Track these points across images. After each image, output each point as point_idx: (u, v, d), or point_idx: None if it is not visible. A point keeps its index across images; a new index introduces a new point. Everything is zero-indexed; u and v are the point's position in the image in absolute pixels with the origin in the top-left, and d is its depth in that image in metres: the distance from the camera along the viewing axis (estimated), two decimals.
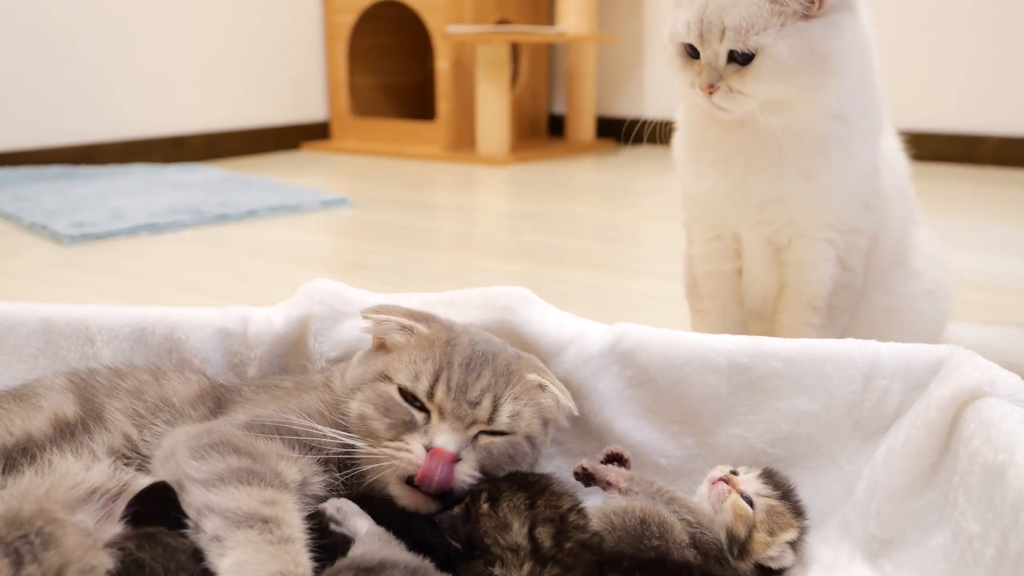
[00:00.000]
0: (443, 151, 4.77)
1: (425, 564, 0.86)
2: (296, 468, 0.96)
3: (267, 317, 1.24)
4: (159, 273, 2.48)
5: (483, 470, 0.98)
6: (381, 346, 1.09)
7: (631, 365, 1.17)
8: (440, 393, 0.99)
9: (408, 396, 1.00)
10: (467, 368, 1.01)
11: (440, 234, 3.08)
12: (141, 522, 0.89)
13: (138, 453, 1.01)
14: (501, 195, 3.93)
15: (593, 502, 1.04)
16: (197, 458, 0.91)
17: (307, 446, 1.00)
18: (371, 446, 0.99)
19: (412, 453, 0.96)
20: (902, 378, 1.10)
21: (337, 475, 1.01)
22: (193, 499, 0.87)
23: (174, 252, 2.74)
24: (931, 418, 1.00)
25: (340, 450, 1.00)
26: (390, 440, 0.98)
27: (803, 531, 1.03)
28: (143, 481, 0.97)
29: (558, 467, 1.19)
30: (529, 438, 1.02)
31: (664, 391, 1.17)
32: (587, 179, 4.37)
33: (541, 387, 1.03)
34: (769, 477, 1.06)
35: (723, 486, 1.05)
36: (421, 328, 1.06)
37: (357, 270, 2.58)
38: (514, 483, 0.97)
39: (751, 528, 1.01)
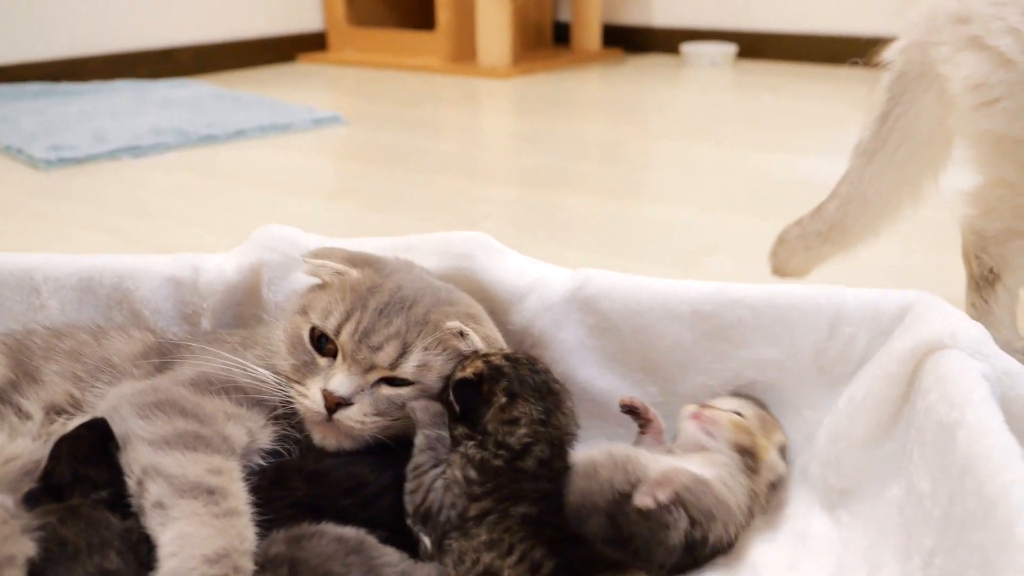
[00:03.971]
0: (443, 63, 4.70)
1: (358, 533, 0.88)
2: (243, 428, 0.98)
3: (218, 265, 1.25)
4: (140, 203, 2.48)
5: (379, 413, 0.99)
6: (322, 287, 1.10)
7: (593, 313, 1.18)
8: (345, 334, 1.00)
9: (316, 338, 1.02)
10: (379, 313, 1.01)
11: (437, 156, 3.06)
12: (73, 461, 0.91)
13: (80, 410, 1.03)
14: (502, 112, 3.89)
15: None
16: (143, 417, 0.93)
17: (254, 400, 1.02)
18: (282, 387, 1.02)
19: (309, 398, 0.99)
20: (868, 325, 1.10)
21: (288, 429, 1.03)
22: (139, 456, 0.89)
23: (157, 178, 2.74)
24: (891, 369, 1.00)
25: (286, 402, 1.02)
26: (297, 382, 1.01)
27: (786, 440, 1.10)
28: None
29: None
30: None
31: (627, 339, 1.17)
32: (592, 92, 4.30)
33: (462, 334, 1.03)
34: (738, 395, 1.13)
35: (711, 411, 1.08)
36: (352, 272, 1.07)
37: (347, 196, 2.58)
38: (536, 386, 0.99)
39: (752, 436, 1.06)
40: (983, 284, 1.44)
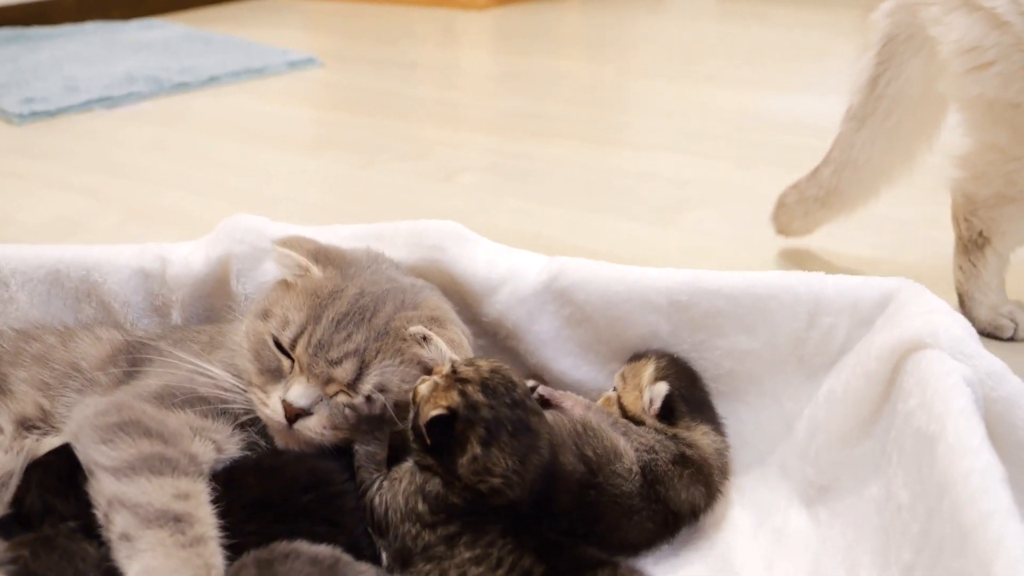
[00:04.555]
0: None
1: (333, 552, 0.85)
2: (210, 442, 0.95)
3: (186, 258, 1.21)
4: (115, 160, 2.41)
5: (337, 427, 0.96)
6: (284, 287, 1.06)
7: (568, 304, 1.14)
8: (300, 347, 0.97)
9: (279, 345, 0.99)
10: (337, 325, 0.97)
11: (414, 101, 2.98)
12: (42, 490, 0.89)
13: (50, 424, 1.00)
14: (479, 48, 3.79)
15: None
16: (106, 442, 0.89)
17: (219, 410, 0.99)
18: (245, 390, 0.99)
19: (269, 407, 0.96)
20: (848, 314, 1.07)
21: (255, 435, 1.00)
22: (103, 488, 0.85)
23: (131, 131, 2.66)
24: (871, 367, 0.97)
25: (249, 410, 0.99)
26: (259, 388, 0.98)
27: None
28: (51, 442, 0.97)
29: None
30: (397, 404, 0.97)
31: (603, 330, 1.14)
32: (572, 24, 4.19)
33: (425, 339, 0.99)
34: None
35: (623, 384, 1.10)
36: (314, 272, 1.03)
37: (325, 148, 2.52)
38: (514, 428, 0.91)
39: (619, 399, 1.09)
40: (972, 248, 1.41)
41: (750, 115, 2.62)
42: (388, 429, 0.98)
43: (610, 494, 0.97)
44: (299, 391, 0.95)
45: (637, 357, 1.11)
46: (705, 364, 1.13)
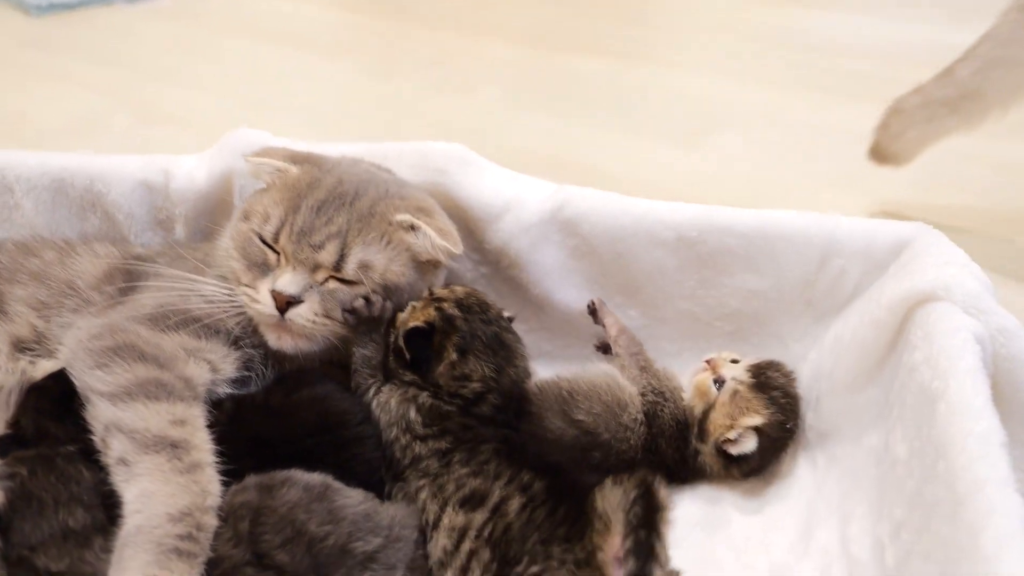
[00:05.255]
0: None
1: (324, 479, 0.85)
2: (205, 363, 0.94)
3: (189, 172, 1.18)
4: (132, 56, 2.37)
5: (329, 315, 0.96)
6: (264, 190, 1.05)
7: (573, 235, 1.11)
8: (284, 237, 0.97)
9: (263, 243, 0.99)
10: (317, 211, 0.97)
11: (437, 5, 2.88)
12: (36, 414, 0.90)
13: (44, 346, 1.00)
14: None
15: (543, 375, 1.03)
16: (101, 367, 0.88)
17: (212, 330, 0.98)
18: (232, 291, 0.99)
19: (260, 301, 0.96)
20: (861, 259, 1.04)
21: (250, 350, 1.00)
22: (100, 414, 0.85)
23: (150, 27, 2.61)
24: (880, 316, 0.94)
25: (243, 325, 0.99)
26: (247, 285, 0.98)
27: (774, 421, 0.99)
28: (44, 365, 0.97)
29: None
30: (386, 287, 0.98)
31: (608, 263, 1.11)
32: None
33: (412, 227, 0.98)
34: (760, 368, 1.02)
35: (702, 366, 1.04)
36: (292, 170, 1.03)
37: (344, 54, 2.46)
38: (488, 341, 0.95)
39: (709, 408, 1.00)
40: None
41: (789, 34, 2.51)
42: (385, 331, 0.98)
43: (616, 451, 0.97)
44: (287, 279, 0.95)
45: (760, 380, 1.01)
46: (711, 303, 1.11)
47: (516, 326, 1.03)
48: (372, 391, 0.96)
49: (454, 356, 0.93)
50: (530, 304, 1.15)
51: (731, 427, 0.99)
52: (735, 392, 1.00)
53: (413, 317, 0.96)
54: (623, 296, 1.13)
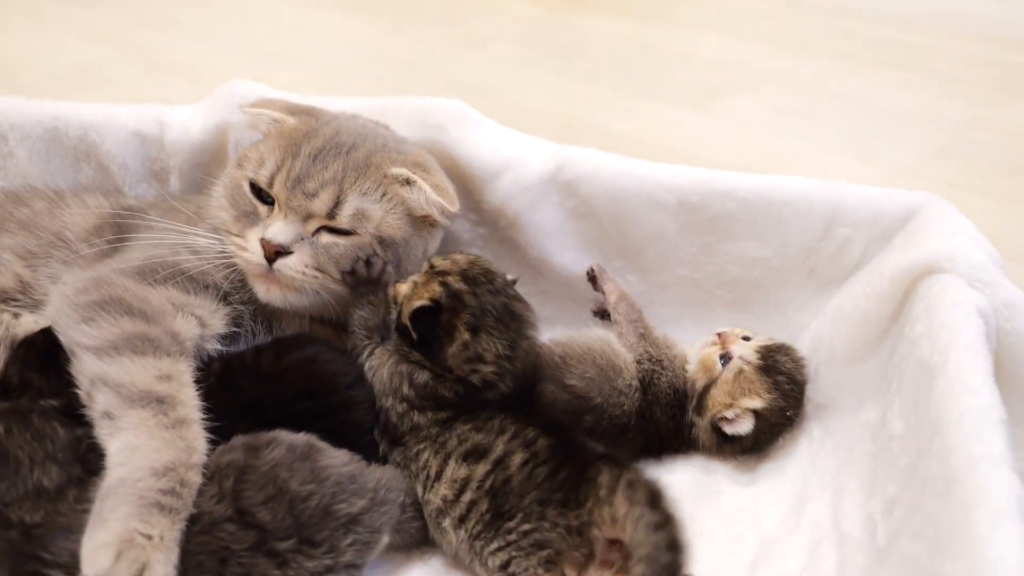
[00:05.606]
0: None
1: (308, 438, 0.84)
2: (193, 318, 0.93)
3: (184, 123, 1.16)
4: (140, 3, 2.34)
5: (320, 268, 0.94)
6: (260, 140, 1.04)
7: (573, 196, 1.09)
8: (278, 182, 0.95)
9: (257, 190, 0.97)
10: (314, 159, 0.96)
11: None
12: (22, 365, 0.89)
13: (30, 297, 0.99)
14: None
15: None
16: (87, 320, 0.87)
17: (201, 284, 0.96)
18: (222, 242, 0.97)
19: (248, 250, 0.94)
20: (867, 228, 1.01)
21: (239, 306, 0.99)
22: (85, 368, 0.84)
23: None
24: (883, 287, 0.92)
25: (233, 279, 0.97)
26: (237, 234, 0.96)
27: (775, 407, 0.97)
28: (27, 320, 0.96)
29: None
30: (382, 240, 0.96)
31: (607, 226, 1.09)
32: None
33: (408, 182, 0.96)
34: (770, 351, 0.99)
35: (714, 338, 1.02)
36: (288, 120, 1.01)
37: (354, 8, 2.42)
38: (499, 314, 0.90)
39: (711, 383, 0.99)
40: None
41: None
42: (383, 294, 0.96)
43: (609, 415, 0.95)
44: (278, 227, 0.94)
45: (768, 363, 0.99)
46: (712, 269, 1.09)
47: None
48: (366, 353, 0.94)
49: (467, 335, 0.89)
50: (528, 267, 1.13)
51: (730, 406, 0.97)
52: (740, 371, 0.98)
53: (417, 294, 0.91)
54: (622, 260, 1.11)
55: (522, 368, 0.91)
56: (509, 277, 0.96)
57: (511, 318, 0.91)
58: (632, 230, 1.08)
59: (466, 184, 1.09)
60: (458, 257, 0.94)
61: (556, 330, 1.08)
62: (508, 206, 1.09)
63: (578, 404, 0.95)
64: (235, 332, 0.99)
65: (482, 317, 0.89)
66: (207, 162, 1.18)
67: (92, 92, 1.71)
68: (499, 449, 0.84)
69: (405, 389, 0.90)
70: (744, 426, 0.96)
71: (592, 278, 1.09)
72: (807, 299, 1.06)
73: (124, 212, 1.06)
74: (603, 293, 1.08)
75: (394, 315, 0.93)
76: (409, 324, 0.90)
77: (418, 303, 0.90)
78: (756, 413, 0.97)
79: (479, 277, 0.91)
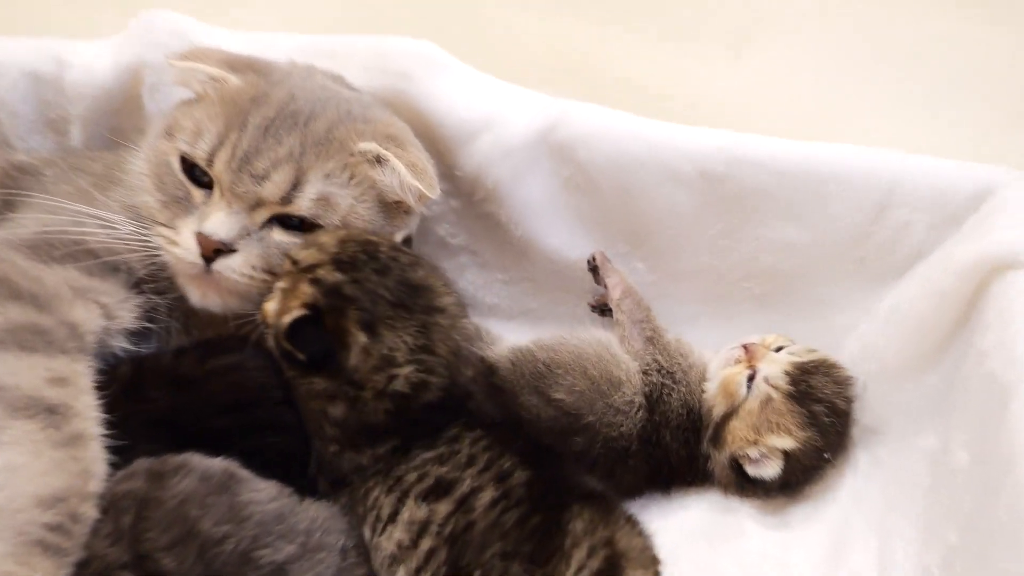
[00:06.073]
0: None
1: (227, 466, 0.83)
2: (95, 307, 0.90)
3: (89, 62, 1.13)
4: None
5: (271, 270, 0.91)
6: (195, 101, 1.00)
7: (568, 163, 1.06)
8: (220, 161, 0.91)
9: (189, 168, 0.93)
10: (265, 132, 0.91)
11: None
12: None
13: None
14: None
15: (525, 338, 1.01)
16: None
17: (110, 266, 0.94)
18: (146, 231, 0.93)
19: (180, 245, 0.90)
20: (929, 210, 0.99)
21: (154, 297, 0.96)
22: None
23: None
24: (946, 284, 0.90)
25: (151, 266, 0.94)
26: (165, 224, 0.92)
27: (809, 447, 0.95)
28: None
29: (471, 281, 1.15)
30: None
31: (609, 200, 1.07)
32: None
33: (379, 160, 0.93)
34: (805, 371, 0.97)
35: (740, 352, 1.00)
36: (231, 80, 0.96)
37: None
38: (395, 296, 0.87)
39: (732, 411, 0.97)
40: None
41: None
42: None
43: (604, 437, 0.94)
44: (218, 219, 0.90)
45: (801, 388, 0.96)
46: (737, 257, 1.07)
47: (492, 276, 0.99)
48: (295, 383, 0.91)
49: (363, 338, 0.85)
50: (510, 249, 1.12)
51: (754, 443, 0.95)
52: (767, 400, 0.96)
53: (286, 306, 0.87)
54: (628, 244, 1.10)
55: (453, 351, 0.89)
56: (397, 237, 0.93)
57: (412, 294, 0.88)
58: (640, 206, 1.06)
59: (436, 146, 1.07)
60: (323, 239, 0.89)
61: (545, 328, 1.07)
62: (487, 174, 1.06)
63: (566, 422, 0.93)
64: (146, 328, 0.96)
65: (374, 308, 0.86)
66: (116, 110, 1.15)
67: None
68: (465, 485, 0.83)
69: (328, 430, 0.88)
70: (770, 469, 0.95)
71: (593, 268, 1.08)
72: (853, 297, 1.05)
73: (16, 168, 1.04)
74: (605, 287, 1.06)
75: (272, 342, 0.89)
76: (290, 346, 0.87)
77: (289, 317, 0.86)
78: (786, 454, 0.94)
79: (356, 257, 0.87)
